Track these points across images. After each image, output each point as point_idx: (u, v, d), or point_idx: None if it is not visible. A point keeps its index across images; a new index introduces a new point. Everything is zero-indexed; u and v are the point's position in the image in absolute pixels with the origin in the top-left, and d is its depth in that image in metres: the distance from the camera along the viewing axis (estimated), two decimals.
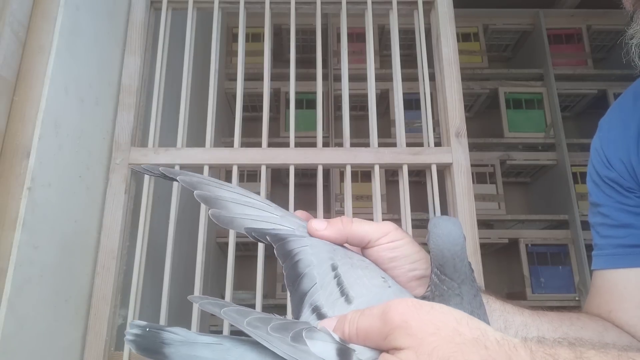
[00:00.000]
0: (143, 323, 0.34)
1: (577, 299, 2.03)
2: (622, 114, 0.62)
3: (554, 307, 0.58)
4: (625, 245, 0.58)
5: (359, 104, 2.25)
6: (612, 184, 0.60)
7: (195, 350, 0.32)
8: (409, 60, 1.35)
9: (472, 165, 0.98)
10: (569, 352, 0.28)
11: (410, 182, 0.98)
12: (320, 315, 0.36)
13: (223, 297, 0.99)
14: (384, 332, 0.30)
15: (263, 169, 0.98)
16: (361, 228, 0.44)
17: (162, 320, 0.89)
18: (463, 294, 0.36)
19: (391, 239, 0.44)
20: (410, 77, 1.22)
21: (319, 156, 0.99)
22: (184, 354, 0.32)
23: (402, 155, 0.99)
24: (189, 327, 0.88)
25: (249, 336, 0.32)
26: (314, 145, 1.01)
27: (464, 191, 0.95)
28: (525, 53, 2.50)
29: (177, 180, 0.43)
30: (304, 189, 1.29)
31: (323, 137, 1.03)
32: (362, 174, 2.15)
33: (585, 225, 2.04)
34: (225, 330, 0.90)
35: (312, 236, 0.44)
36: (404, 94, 1.05)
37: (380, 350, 0.31)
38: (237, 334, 0.35)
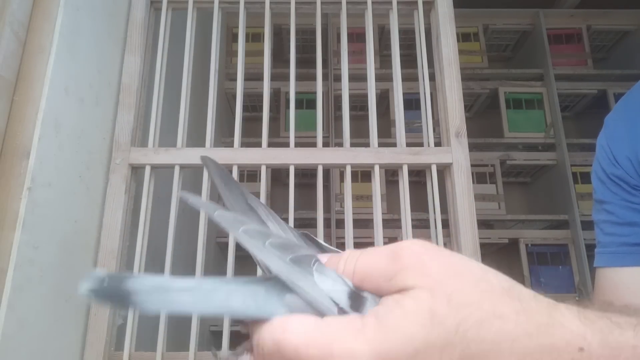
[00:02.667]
0: (102, 273, 0.28)
1: (577, 298, 2.03)
2: (629, 111, 0.62)
3: None
4: (630, 243, 0.58)
5: (359, 104, 2.25)
6: (618, 181, 0.60)
7: (171, 296, 0.26)
8: (409, 60, 1.35)
9: (472, 165, 0.98)
10: (621, 314, 0.24)
11: (410, 182, 0.98)
12: None
13: None
14: (390, 271, 0.24)
15: (263, 169, 0.98)
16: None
17: (162, 320, 0.89)
18: None
19: None
20: (410, 77, 1.22)
21: (319, 156, 0.99)
22: (157, 300, 0.26)
23: (402, 155, 0.99)
24: (189, 327, 0.88)
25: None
26: (314, 145, 1.01)
27: (464, 191, 0.95)
28: (525, 53, 2.50)
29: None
30: (304, 189, 1.29)
31: (323, 137, 1.03)
32: (362, 174, 2.15)
33: (585, 225, 2.04)
34: (226, 331, 0.90)
35: None
36: (404, 94, 1.05)
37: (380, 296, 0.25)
38: None
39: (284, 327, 0.24)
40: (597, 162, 0.65)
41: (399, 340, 0.22)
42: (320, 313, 0.25)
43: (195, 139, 1.11)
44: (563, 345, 0.22)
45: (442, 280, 0.23)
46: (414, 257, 0.24)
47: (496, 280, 0.24)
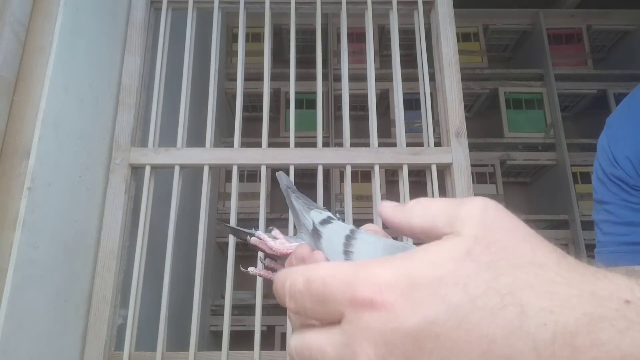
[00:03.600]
0: None
1: None
2: (631, 112, 0.62)
3: None
4: (629, 242, 0.58)
5: (359, 104, 2.25)
6: (618, 181, 0.60)
7: None
8: (409, 60, 1.35)
9: (472, 165, 0.98)
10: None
11: (410, 182, 0.98)
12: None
13: (223, 297, 0.99)
14: (448, 215, 0.24)
15: (263, 169, 0.98)
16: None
17: (162, 320, 0.89)
18: None
19: None
20: (410, 77, 1.22)
21: (319, 156, 0.99)
22: None
23: (402, 155, 0.99)
24: (188, 326, 0.88)
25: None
26: (314, 145, 1.01)
27: (464, 191, 0.95)
28: (525, 53, 2.50)
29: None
30: (304, 189, 1.29)
31: (323, 137, 1.04)
32: (362, 174, 2.15)
33: (585, 225, 2.03)
34: (226, 331, 0.90)
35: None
36: (404, 94, 1.05)
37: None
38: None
39: (316, 265, 0.25)
40: (598, 163, 0.65)
41: (425, 264, 0.22)
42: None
43: (195, 139, 1.11)
44: (607, 295, 0.20)
45: (490, 231, 0.22)
46: (475, 210, 0.23)
47: (546, 251, 0.23)
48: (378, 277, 0.22)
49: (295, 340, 0.25)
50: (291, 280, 0.25)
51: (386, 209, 0.28)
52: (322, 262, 0.27)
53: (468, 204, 0.24)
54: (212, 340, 1.89)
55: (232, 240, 0.94)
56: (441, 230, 0.24)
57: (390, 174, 2.18)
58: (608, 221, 0.61)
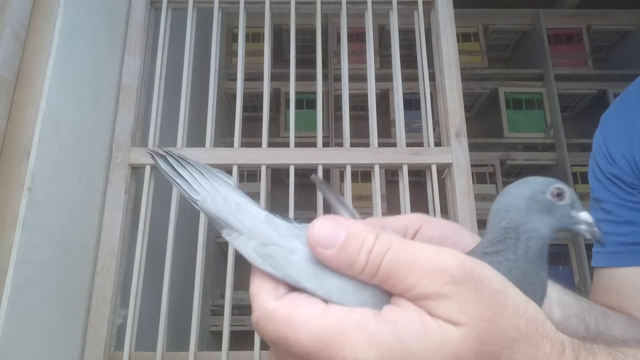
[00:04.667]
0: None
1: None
2: (626, 110, 0.61)
3: None
4: (628, 243, 0.58)
5: (359, 104, 2.25)
6: (615, 180, 0.60)
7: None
8: (409, 60, 1.35)
9: (472, 165, 0.98)
10: (609, 358, 0.25)
11: (410, 182, 0.98)
12: None
13: (223, 297, 0.99)
14: (420, 291, 0.23)
15: (263, 169, 0.98)
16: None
17: (162, 320, 0.89)
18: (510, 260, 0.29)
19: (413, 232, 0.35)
20: (410, 77, 1.22)
21: (319, 156, 0.99)
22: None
23: (402, 155, 0.99)
24: (188, 327, 0.88)
25: None
26: (314, 145, 1.01)
27: (464, 191, 0.95)
28: (525, 53, 2.50)
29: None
30: (304, 189, 1.29)
31: (323, 137, 1.03)
32: (362, 174, 2.15)
33: None
34: (226, 331, 0.90)
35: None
36: (404, 94, 1.05)
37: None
38: None
39: (290, 322, 0.23)
40: (594, 160, 0.64)
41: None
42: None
43: (195, 139, 1.11)
44: None
45: (476, 325, 0.22)
46: (454, 286, 0.23)
47: (524, 322, 0.24)
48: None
49: None
50: (260, 327, 0.25)
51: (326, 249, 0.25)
52: (297, 314, 0.24)
53: (441, 277, 0.23)
54: (212, 340, 1.89)
55: None
56: (412, 295, 0.23)
57: (390, 174, 2.18)
58: (606, 220, 0.60)
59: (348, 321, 0.23)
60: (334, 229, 0.25)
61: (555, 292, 0.38)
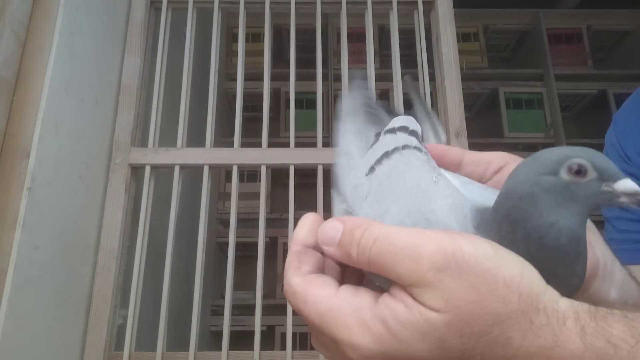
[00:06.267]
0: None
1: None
2: (638, 108, 0.62)
3: None
4: None
5: None
6: (631, 177, 0.60)
7: None
8: (409, 60, 1.35)
9: None
10: (624, 328, 0.23)
11: None
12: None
13: (223, 297, 0.99)
14: (406, 279, 0.24)
15: (263, 169, 0.98)
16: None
17: (162, 320, 0.89)
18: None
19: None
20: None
21: (319, 156, 0.99)
22: None
23: None
24: (188, 327, 0.88)
25: None
26: (314, 145, 1.01)
27: None
28: (525, 53, 2.50)
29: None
30: (304, 189, 1.29)
31: (323, 137, 1.03)
32: None
33: None
34: (226, 331, 0.90)
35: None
36: (403, 94, 1.05)
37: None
38: None
39: (304, 298, 0.26)
40: None
41: (401, 352, 0.24)
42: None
43: (195, 139, 1.11)
44: None
45: (459, 310, 0.23)
46: (436, 273, 0.23)
47: (517, 297, 0.23)
48: (359, 349, 0.24)
49: None
50: (286, 292, 0.28)
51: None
52: (310, 292, 0.27)
53: (426, 265, 0.24)
54: (212, 340, 1.89)
55: (232, 240, 0.94)
56: (403, 283, 0.24)
57: None
58: (622, 218, 0.60)
59: (348, 307, 0.25)
60: (334, 229, 0.27)
61: (621, 274, 0.35)
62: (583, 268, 0.25)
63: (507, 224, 0.25)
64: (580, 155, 0.24)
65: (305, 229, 0.30)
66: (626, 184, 0.24)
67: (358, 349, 0.24)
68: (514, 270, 0.24)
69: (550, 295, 0.24)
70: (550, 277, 0.24)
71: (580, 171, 0.24)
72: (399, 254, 0.24)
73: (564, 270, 0.25)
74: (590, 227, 0.30)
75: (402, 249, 0.24)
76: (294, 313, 0.90)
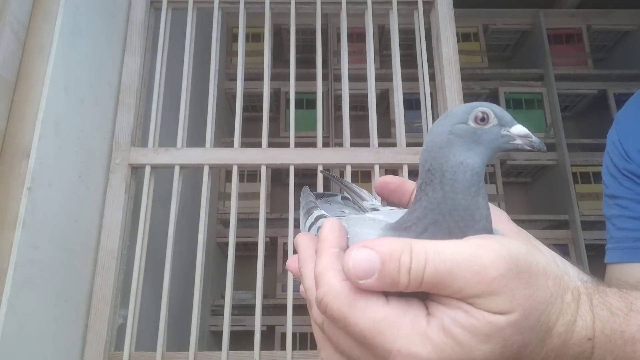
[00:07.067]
0: None
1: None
2: None
3: None
4: None
5: (359, 104, 2.25)
6: (631, 176, 0.60)
7: None
8: (409, 60, 1.35)
9: None
10: (620, 301, 0.27)
11: None
12: None
13: (223, 297, 1.00)
14: (469, 292, 0.24)
15: (263, 169, 0.98)
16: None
17: (162, 320, 0.89)
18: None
19: None
20: (410, 77, 1.22)
21: (319, 156, 0.99)
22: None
23: (402, 155, 0.99)
24: (188, 327, 0.88)
25: None
26: (314, 145, 1.01)
27: None
28: (525, 53, 2.50)
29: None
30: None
31: (323, 137, 1.04)
32: (362, 174, 2.15)
33: (585, 225, 2.03)
34: (226, 331, 0.90)
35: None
36: (404, 94, 1.05)
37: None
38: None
39: (353, 302, 0.25)
40: (609, 158, 0.64)
41: (463, 357, 0.24)
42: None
43: (196, 139, 1.11)
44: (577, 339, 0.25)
45: (521, 307, 0.24)
46: (501, 280, 0.24)
47: (552, 279, 0.26)
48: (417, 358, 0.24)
49: None
50: (322, 306, 0.26)
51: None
52: (360, 302, 0.25)
53: (491, 274, 0.24)
54: (212, 340, 1.89)
55: (232, 240, 0.94)
56: (461, 296, 0.24)
57: (390, 174, 2.18)
58: (622, 216, 0.60)
59: (405, 317, 0.24)
60: (368, 259, 0.25)
61: (574, 270, 0.37)
62: (485, 201, 0.29)
63: (429, 175, 0.29)
64: (484, 105, 0.29)
65: (335, 234, 0.29)
66: (520, 128, 0.29)
67: (415, 358, 0.23)
68: (544, 259, 0.26)
69: (566, 275, 0.27)
70: (464, 216, 0.28)
71: (484, 118, 0.29)
72: (458, 271, 0.24)
73: (472, 203, 0.28)
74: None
75: (460, 263, 0.24)
76: (294, 313, 0.90)
